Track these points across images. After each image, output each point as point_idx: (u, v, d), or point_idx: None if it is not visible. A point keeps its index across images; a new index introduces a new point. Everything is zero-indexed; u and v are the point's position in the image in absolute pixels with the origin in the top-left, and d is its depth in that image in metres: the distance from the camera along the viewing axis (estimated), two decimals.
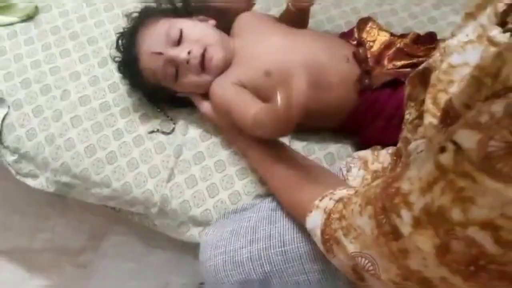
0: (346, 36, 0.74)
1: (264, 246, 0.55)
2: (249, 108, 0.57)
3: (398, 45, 0.66)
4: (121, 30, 0.73)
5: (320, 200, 0.48)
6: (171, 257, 1.02)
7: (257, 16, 0.75)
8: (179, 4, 0.72)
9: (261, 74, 0.65)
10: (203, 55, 0.65)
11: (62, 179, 0.72)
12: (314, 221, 0.47)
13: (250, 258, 0.55)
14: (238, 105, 0.60)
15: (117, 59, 0.73)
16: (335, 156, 0.71)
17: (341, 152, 0.71)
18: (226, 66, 0.67)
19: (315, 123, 0.69)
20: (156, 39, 0.66)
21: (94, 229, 1.05)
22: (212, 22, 0.71)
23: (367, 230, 0.38)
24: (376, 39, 0.68)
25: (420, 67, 0.46)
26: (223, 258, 0.57)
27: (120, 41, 0.72)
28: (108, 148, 0.71)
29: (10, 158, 0.73)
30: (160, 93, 0.71)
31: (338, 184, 0.53)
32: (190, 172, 0.69)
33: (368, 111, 0.65)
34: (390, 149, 0.59)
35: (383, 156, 0.60)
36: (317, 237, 0.46)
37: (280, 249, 0.54)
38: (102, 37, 0.82)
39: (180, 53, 0.64)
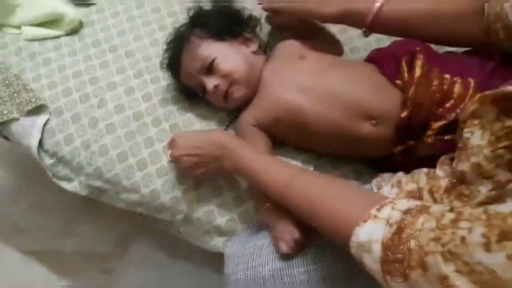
0: (388, 69, 0.62)
1: (286, 264, 0.54)
2: None
3: (447, 118, 0.56)
4: (173, 35, 0.77)
5: (378, 210, 0.41)
6: (194, 268, 1.03)
7: (292, 46, 0.72)
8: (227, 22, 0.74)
9: (272, 120, 0.67)
10: (227, 91, 0.69)
11: (94, 183, 0.75)
12: (370, 233, 0.40)
13: (273, 276, 0.54)
14: None
15: (164, 59, 0.77)
16: (363, 171, 0.70)
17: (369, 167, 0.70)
18: (249, 98, 0.70)
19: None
20: (193, 62, 0.71)
21: (120, 237, 1.08)
22: (253, 47, 0.73)
23: (501, 272, 0.31)
24: (424, 100, 0.56)
25: (504, 90, 0.43)
26: (245, 273, 0.57)
27: (168, 51, 0.76)
28: (139, 156, 0.73)
29: (48, 161, 0.77)
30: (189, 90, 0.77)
31: (383, 197, 0.47)
32: (216, 182, 0.70)
33: (403, 164, 0.60)
34: (426, 169, 0.56)
35: (417, 175, 0.57)
36: (375, 252, 0.39)
37: (303, 268, 0.53)
38: (139, 51, 0.86)
39: (209, 84, 0.69)
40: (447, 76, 0.58)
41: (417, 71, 0.58)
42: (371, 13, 0.61)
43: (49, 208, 1.10)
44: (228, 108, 0.74)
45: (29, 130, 0.77)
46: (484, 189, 0.46)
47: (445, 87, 0.57)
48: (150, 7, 0.93)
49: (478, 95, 0.50)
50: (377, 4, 0.61)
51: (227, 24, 0.73)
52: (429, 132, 0.57)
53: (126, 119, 0.77)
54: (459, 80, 0.57)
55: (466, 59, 0.62)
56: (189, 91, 0.77)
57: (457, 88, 0.57)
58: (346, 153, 0.67)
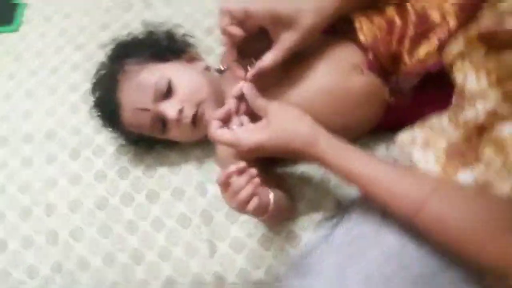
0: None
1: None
2: None
3: (408, 33, 0.53)
4: (98, 74, 0.62)
5: None
6: None
7: None
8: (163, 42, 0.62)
9: None
10: (195, 114, 0.56)
11: None
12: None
13: None
14: None
15: (94, 110, 0.62)
16: (371, 146, 0.63)
17: (375, 139, 0.63)
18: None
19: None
20: (141, 93, 0.56)
21: None
22: (201, 64, 0.62)
23: None
24: (375, 34, 0.54)
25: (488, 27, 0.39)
26: None
27: (95, 91, 0.62)
28: (128, 248, 0.59)
29: None
30: (148, 139, 0.62)
31: None
32: (232, 234, 0.59)
33: (409, 115, 0.55)
34: (445, 116, 0.51)
35: (438, 125, 0.51)
36: None
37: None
38: (60, 126, 0.69)
39: (170, 110, 0.55)
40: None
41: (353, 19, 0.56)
42: None
43: None
44: (197, 138, 0.61)
45: None
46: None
47: (385, 17, 0.55)
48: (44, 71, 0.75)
49: (462, 35, 0.47)
50: None
51: (165, 43, 0.62)
52: (403, 59, 0.54)
53: (89, 214, 0.62)
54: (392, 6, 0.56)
55: None
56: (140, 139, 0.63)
57: (391, 12, 0.55)
58: (349, 121, 0.59)
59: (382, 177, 0.46)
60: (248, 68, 0.53)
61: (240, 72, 0.53)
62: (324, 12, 0.51)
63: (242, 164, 0.47)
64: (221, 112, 0.52)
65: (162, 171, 0.64)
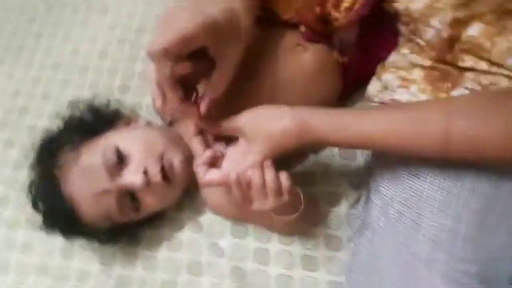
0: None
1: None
2: None
3: None
4: (32, 187, 0.53)
5: None
6: None
7: None
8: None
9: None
10: (162, 168, 0.49)
11: None
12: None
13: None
14: None
15: (47, 227, 0.52)
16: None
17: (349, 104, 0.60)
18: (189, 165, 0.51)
19: None
20: (92, 175, 0.48)
21: None
22: (142, 121, 0.57)
23: None
24: (294, 7, 0.52)
25: None
26: None
27: (39, 205, 0.52)
28: None
29: None
30: (126, 227, 0.53)
31: None
32: (273, 275, 0.52)
33: (367, 66, 0.52)
34: (403, 50, 0.48)
35: (402, 60, 0.49)
36: None
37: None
38: None
39: (135, 177, 0.48)
40: None
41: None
42: None
43: None
44: (176, 197, 0.54)
45: None
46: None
47: None
48: None
49: None
50: None
51: (92, 118, 0.55)
52: (334, 16, 0.52)
53: None
54: None
55: None
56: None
57: None
58: (315, 100, 0.55)
59: (395, 127, 0.41)
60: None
61: (192, 111, 0.46)
62: (252, 8, 0.45)
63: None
64: (201, 159, 0.45)
65: (163, 255, 0.55)
